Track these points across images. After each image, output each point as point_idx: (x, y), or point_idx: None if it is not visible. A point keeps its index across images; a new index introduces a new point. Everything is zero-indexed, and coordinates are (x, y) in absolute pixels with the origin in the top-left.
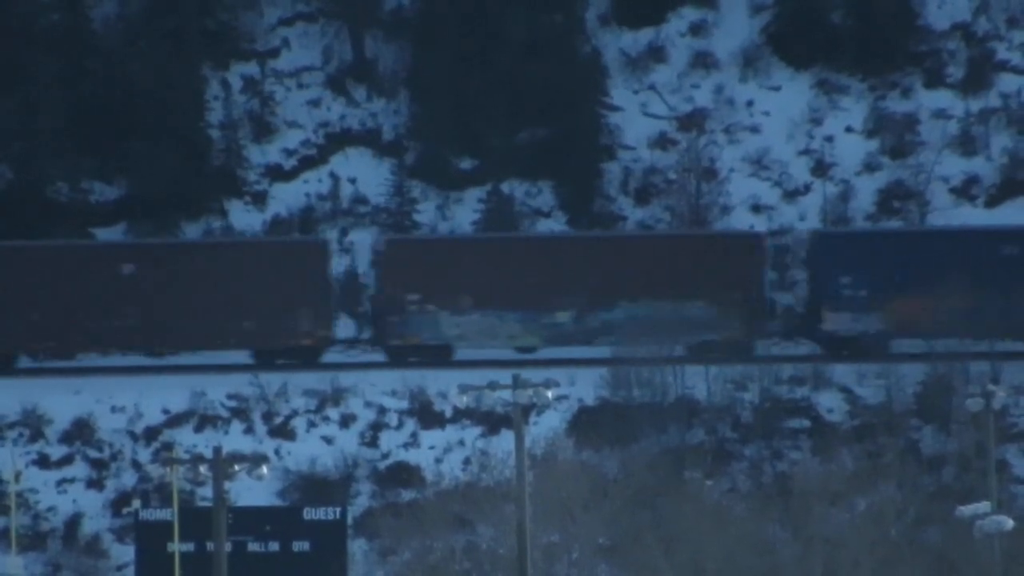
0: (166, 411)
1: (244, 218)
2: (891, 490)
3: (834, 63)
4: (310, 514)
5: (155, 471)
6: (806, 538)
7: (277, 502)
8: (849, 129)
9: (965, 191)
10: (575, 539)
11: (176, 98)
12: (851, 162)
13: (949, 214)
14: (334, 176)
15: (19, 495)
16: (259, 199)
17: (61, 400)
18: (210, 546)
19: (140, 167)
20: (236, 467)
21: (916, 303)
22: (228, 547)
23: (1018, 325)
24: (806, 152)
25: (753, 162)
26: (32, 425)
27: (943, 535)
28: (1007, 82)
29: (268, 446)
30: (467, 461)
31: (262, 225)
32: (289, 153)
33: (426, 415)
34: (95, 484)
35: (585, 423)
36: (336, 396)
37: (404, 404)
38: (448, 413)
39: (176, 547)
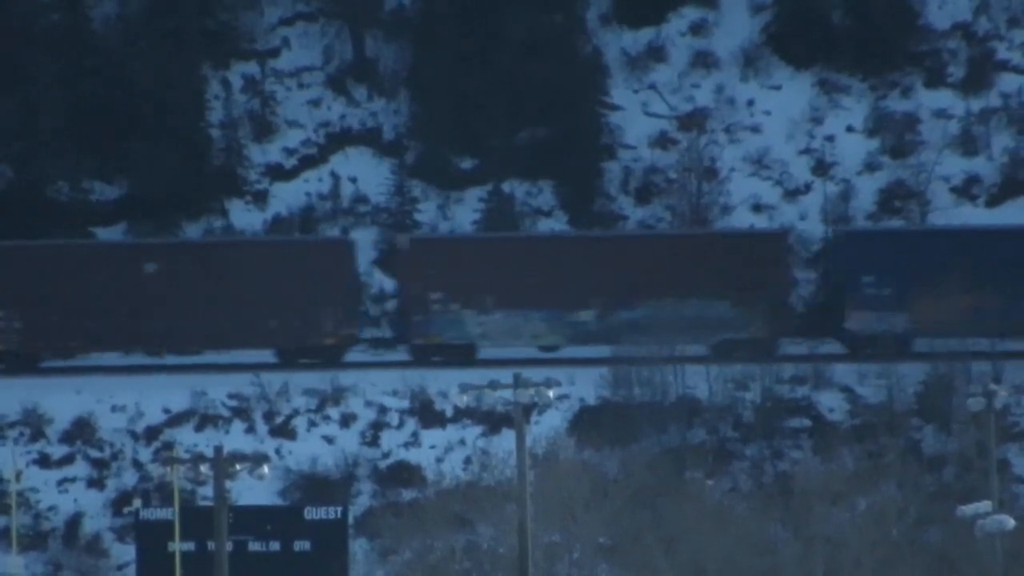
0: (167, 410)
1: (244, 218)
2: (892, 490)
3: (835, 63)
4: (311, 513)
5: (156, 470)
6: (807, 538)
7: (278, 501)
8: (850, 129)
9: (966, 191)
10: (576, 539)
11: (176, 98)
12: (852, 162)
13: (950, 214)
14: (334, 176)
15: (20, 494)
16: (260, 199)
17: (62, 399)
18: (211, 545)
19: (140, 167)
20: (237, 466)
21: (940, 302)
22: (229, 547)
23: None
24: (807, 152)
25: (754, 162)
26: (33, 424)
27: (944, 535)
28: (1008, 82)
29: (269, 445)
30: (468, 461)
31: (262, 225)
32: (289, 153)
33: (427, 414)
34: (96, 483)
35: (586, 422)
36: (337, 395)
37: (405, 403)
38: (449, 412)
39: (177, 546)
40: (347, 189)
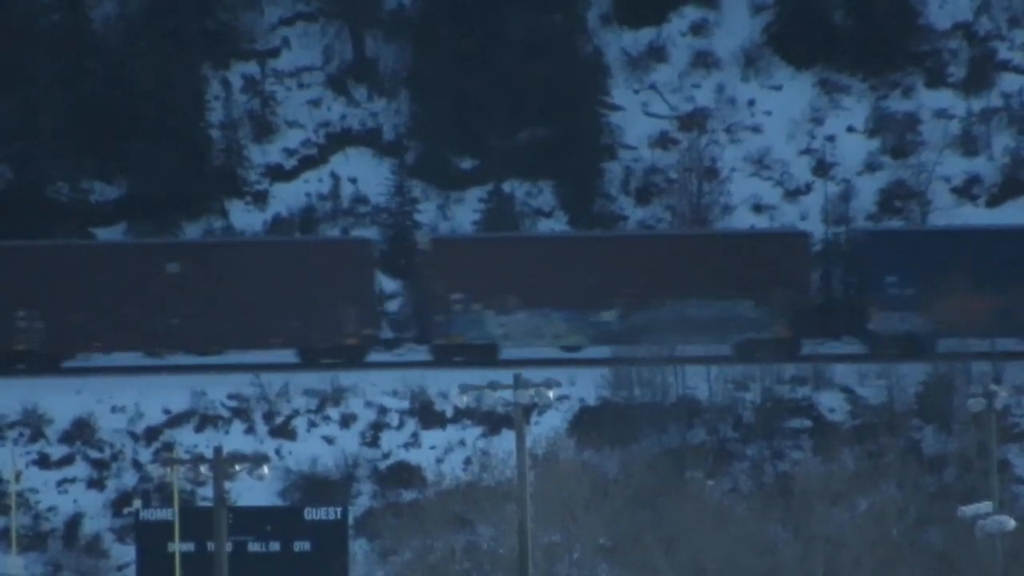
0: (167, 411)
1: (244, 218)
2: (892, 490)
3: (835, 63)
4: (311, 514)
5: (156, 471)
6: (807, 538)
7: (278, 502)
8: (850, 129)
9: (966, 191)
10: (576, 539)
11: (176, 98)
12: (852, 162)
13: (950, 214)
14: (335, 176)
15: (19, 495)
16: (260, 199)
17: (61, 400)
18: (211, 546)
19: (140, 167)
20: (237, 467)
21: (964, 302)
22: (229, 547)
23: None
24: (807, 152)
25: (754, 162)
26: (32, 425)
27: (944, 535)
28: (1008, 82)
29: (269, 446)
30: (468, 461)
31: (262, 225)
32: (289, 153)
33: (427, 415)
34: (96, 484)
35: (586, 423)
36: (336, 396)
37: (405, 404)
38: (449, 413)
39: (177, 547)
40: (347, 189)
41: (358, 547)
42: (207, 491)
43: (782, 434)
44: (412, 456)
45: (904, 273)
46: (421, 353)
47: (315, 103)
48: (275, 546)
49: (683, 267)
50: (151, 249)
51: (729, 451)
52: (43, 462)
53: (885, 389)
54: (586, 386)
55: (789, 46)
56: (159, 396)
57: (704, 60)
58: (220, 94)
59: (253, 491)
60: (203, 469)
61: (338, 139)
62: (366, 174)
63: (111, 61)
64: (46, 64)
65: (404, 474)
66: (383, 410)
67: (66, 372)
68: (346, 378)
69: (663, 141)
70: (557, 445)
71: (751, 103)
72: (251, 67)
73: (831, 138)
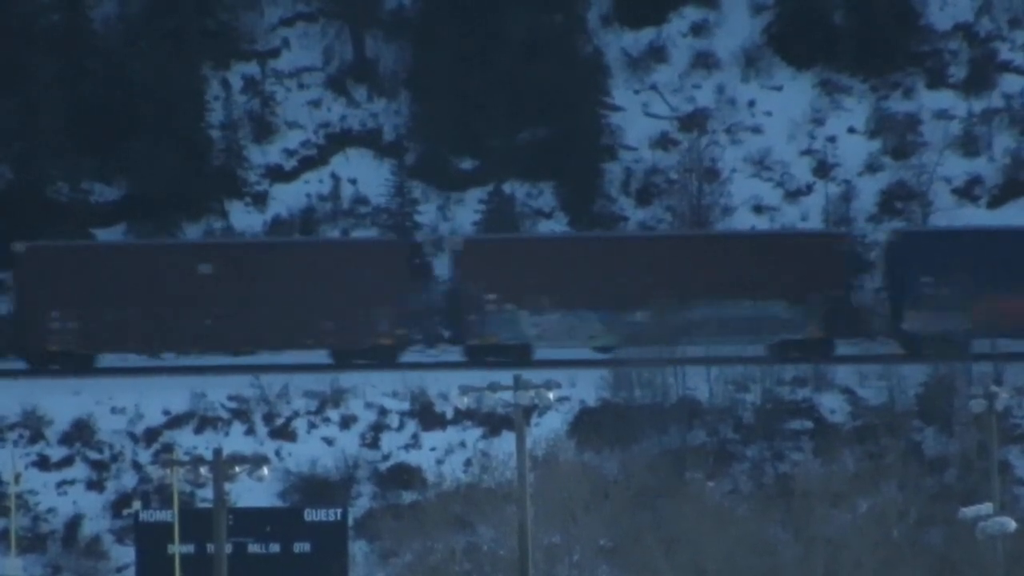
0: (166, 412)
1: (245, 219)
2: (893, 491)
3: (836, 63)
4: (311, 515)
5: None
6: (808, 539)
7: (278, 503)
8: (851, 129)
9: (967, 192)
10: (576, 540)
11: (176, 98)
12: (853, 162)
13: (951, 215)
14: (335, 177)
15: (19, 496)
16: (260, 199)
17: (61, 401)
18: (210, 547)
19: (140, 167)
20: (236, 468)
21: (1000, 303)
22: (229, 548)
23: None
24: (808, 152)
25: (755, 162)
26: (32, 426)
27: (945, 536)
28: (1009, 82)
29: (269, 447)
30: (468, 462)
31: (263, 226)
32: (290, 153)
33: (427, 416)
34: (95, 485)
35: (586, 424)
36: (336, 397)
37: (405, 405)
38: (449, 414)
39: (176, 548)
40: (347, 190)
41: (358, 548)
42: (207, 492)
43: (782, 435)
44: (412, 457)
45: (939, 273)
46: (455, 354)
47: (315, 104)
48: (275, 547)
49: (717, 268)
50: (184, 249)
51: (729, 452)
52: (43, 463)
53: (886, 390)
54: (586, 387)
55: (789, 47)
56: (159, 397)
57: (704, 61)
58: (220, 94)
59: (253, 492)
60: (203, 470)
61: (338, 140)
62: (366, 175)
63: (111, 61)
64: (46, 64)
65: (404, 475)
66: (383, 411)
67: (66, 373)
68: (346, 379)
69: (663, 142)
70: (557, 446)
71: (751, 104)
72: (251, 67)
73: (832, 139)
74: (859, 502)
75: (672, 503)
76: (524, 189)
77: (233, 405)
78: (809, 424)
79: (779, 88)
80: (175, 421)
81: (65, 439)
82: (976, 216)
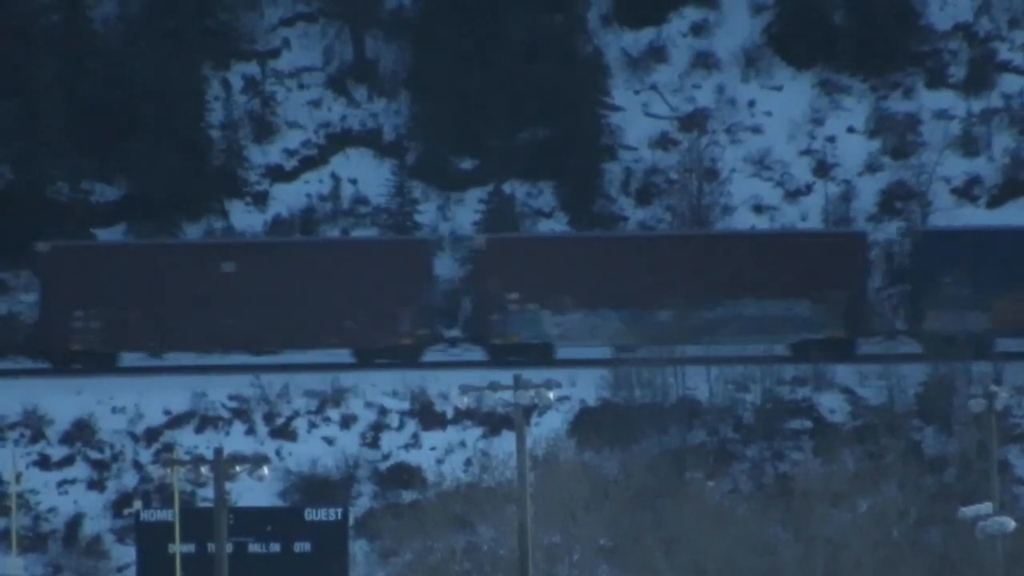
0: (167, 412)
1: (245, 219)
2: (893, 491)
3: (836, 63)
4: (311, 515)
5: (156, 472)
6: (807, 539)
7: (278, 503)
8: (851, 129)
9: (967, 192)
10: (576, 540)
11: (176, 98)
12: (853, 162)
13: (951, 215)
14: (335, 176)
15: (20, 496)
16: (260, 199)
17: (62, 401)
18: (211, 547)
19: (141, 167)
20: (237, 468)
21: (1020, 302)
22: (229, 548)
23: None
24: (808, 152)
25: (755, 162)
26: (33, 426)
27: (945, 536)
28: (1009, 82)
29: (269, 447)
30: (468, 462)
31: (263, 226)
32: (290, 153)
33: (427, 416)
34: (96, 485)
35: (586, 424)
36: (337, 397)
37: (405, 405)
38: (449, 414)
39: (177, 548)
40: (347, 190)
41: (358, 548)
42: (207, 492)
43: (782, 435)
44: (412, 457)
45: (960, 273)
46: (477, 353)
47: (315, 104)
48: (275, 547)
49: (739, 267)
50: (207, 249)
51: (729, 452)
52: (43, 463)
53: (885, 390)
54: (586, 387)
55: (789, 47)
56: (159, 397)
57: (704, 61)
58: (220, 94)
59: (253, 492)
60: (203, 470)
61: (338, 140)
62: (366, 175)
63: (111, 61)
64: (46, 64)
65: (404, 475)
66: (383, 411)
67: (66, 372)
68: (346, 379)
69: (663, 142)
70: (557, 446)
71: (751, 104)
72: (251, 67)
73: (831, 139)
74: (859, 502)
75: (672, 503)
76: (524, 189)
77: (234, 405)
78: (809, 424)
79: (779, 88)
80: (176, 421)
81: (66, 438)
82: (975, 216)
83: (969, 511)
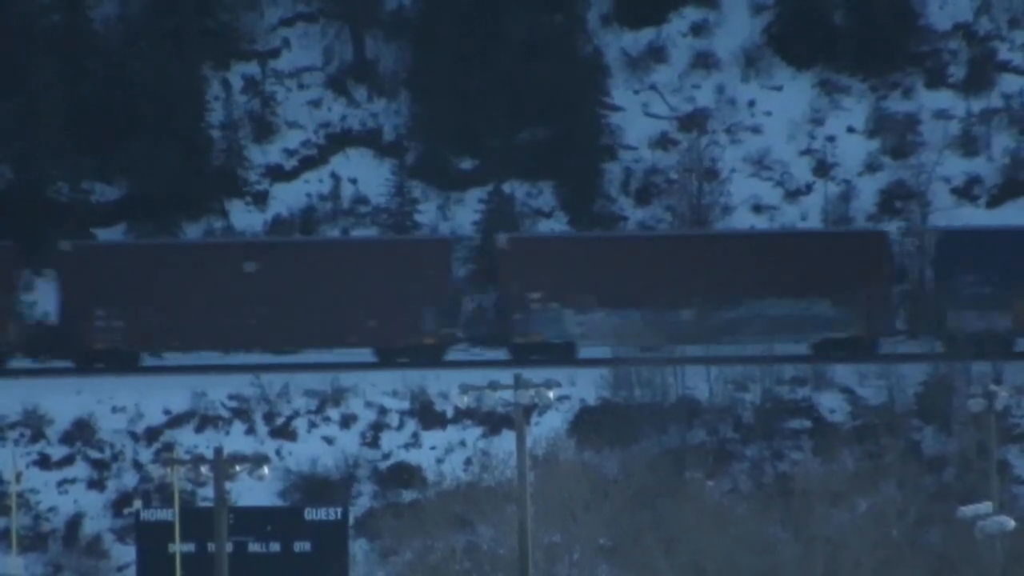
0: (167, 411)
1: (245, 218)
2: (892, 490)
3: (835, 63)
4: (311, 514)
5: (156, 471)
6: (807, 538)
7: (278, 502)
8: (850, 129)
9: (966, 191)
10: (576, 539)
11: (176, 98)
12: (852, 162)
13: (950, 214)
14: (335, 176)
15: (20, 495)
16: (260, 199)
17: (62, 400)
18: (211, 547)
19: (141, 167)
20: (237, 467)
21: None
22: (229, 547)
23: None
24: (807, 152)
25: (754, 162)
26: (33, 425)
27: (944, 536)
28: (1008, 82)
29: (269, 446)
30: (468, 461)
31: (263, 226)
32: (290, 153)
33: (427, 415)
34: (96, 484)
35: (586, 423)
36: (337, 396)
37: (405, 404)
38: (449, 413)
39: (177, 547)
40: (347, 190)
41: (358, 547)
42: (207, 491)
43: (782, 435)
44: (412, 456)
45: (981, 272)
46: (501, 352)
47: (315, 103)
48: (275, 546)
49: (761, 267)
50: (229, 248)
51: (729, 451)
52: (43, 462)
53: (885, 389)
54: (586, 386)
55: (789, 47)
56: (159, 396)
57: (704, 61)
58: (220, 94)
59: (253, 491)
60: (203, 469)
61: (338, 139)
62: (366, 174)
63: (111, 61)
64: (46, 64)
65: (404, 474)
66: (383, 410)
67: (66, 372)
68: (346, 379)
69: (663, 142)
70: (557, 445)
71: (751, 104)
72: (251, 67)
73: (831, 138)
74: (858, 501)
75: (672, 502)
76: (524, 189)
77: (234, 404)
78: (808, 423)
79: (779, 88)
80: (176, 420)
81: (66, 438)
82: (975, 216)
83: (968, 511)
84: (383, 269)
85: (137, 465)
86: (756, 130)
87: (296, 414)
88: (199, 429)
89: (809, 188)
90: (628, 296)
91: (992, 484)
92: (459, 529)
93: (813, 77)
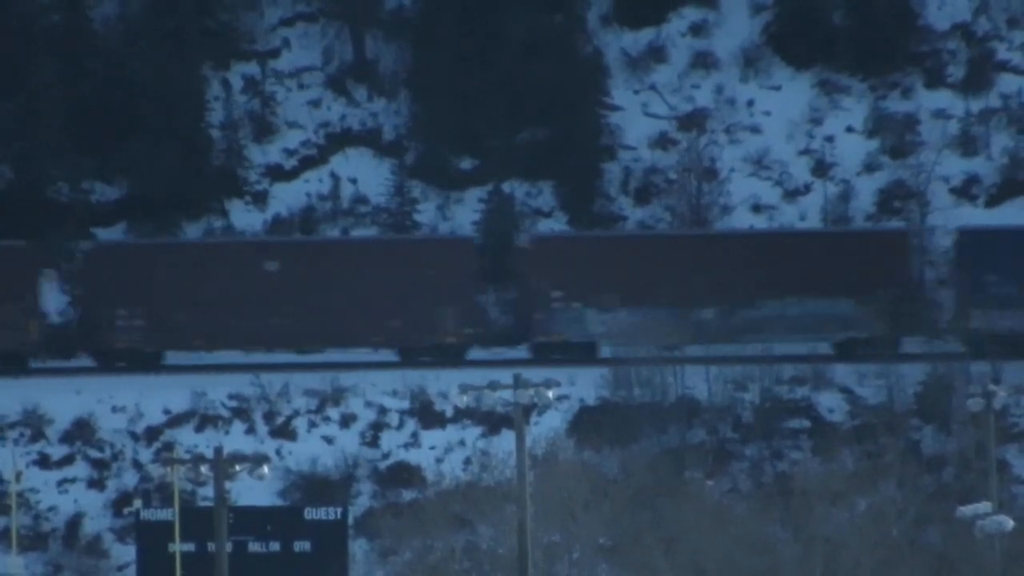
0: (167, 411)
1: (245, 218)
2: (891, 490)
3: (834, 63)
4: (311, 514)
5: (156, 471)
6: (806, 538)
7: (278, 502)
8: (849, 129)
9: (965, 191)
10: (576, 539)
11: (176, 98)
12: (851, 162)
13: (949, 214)
14: (335, 176)
15: (20, 495)
16: (260, 199)
17: (62, 400)
18: (211, 546)
19: (141, 167)
20: (237, 467)
21: None
22: (229, 547)
23: None
24: (806, 152)
25: (754, 162)
26: (33, 425)
27: (944, 535)
28: (1007, 82)
29: (269, 446)
30: (468, 461)
31: (263, 225)
32: (290, 153)
33: (427, 415)
34: (96, 484)
35: (586, 423)
36: (336, 396)
37: (405, 404)
38: (449, 413)
39: (177, 547)
40: (347, 190)
41: (358, 547)
42: (207, 491)
43: (781, 434)
44: (412, 456)
45: (1004, 271)
46: (523, 351)
47: (315, 103)
48: (275, 546)
49: (783, 266)
50: (250, 247)
51: (728, 451)
52: (43, 462)
53: (884, 389)
54: (586, 386)
55: (788, 46)
56: (159, 396)
57: (704, 60)
58: (220, 94)
59: (253, 491)
60: (203, 469)
61: (338, 139)
62: (366, 174)
63: (111, 61)
64: (46, 64)
65: (404, 474)
66: (383, 410)
67: (67, 372)
68: (346, 378)
69: (663, 141)
70: (557, 445)
71: (750, 103)
72: (251, 67)
73: (830, 138)
74: (858, 501)
75: (671, 502)
76: (524, 189)
77: (233, 404)
78: (808, 423)
79: (778, 88)
80: (176, 420)
81: (66, 438)
82: (974, 216)
83: (967, 510)
84: (405, 269)
85: (137, 465)
86: (755, 130)
87: (296, 414)
88: (199, 429)
89: (808, 188)
90: (650, 295)
91: (991, 484)
92: (459, 529)
93: (812, 77)
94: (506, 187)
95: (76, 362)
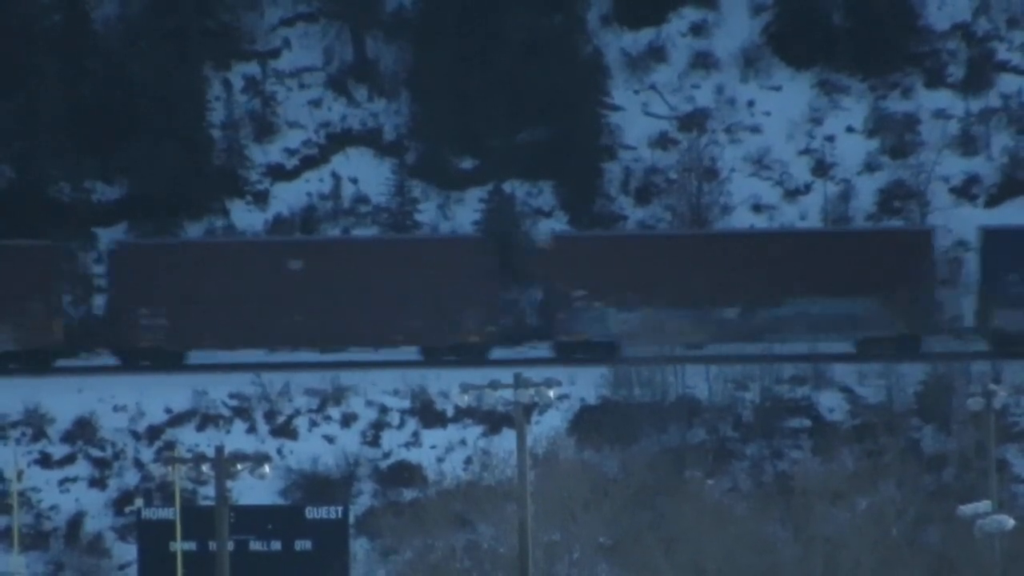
0: (168, 410)
1: (246, 218)
2: (892, 489)
3: (835, 63)
4: (312, 513)
5: (157, 470)
6: (807, 538)
7: (279, 501)
8: (850, 129)
9: (965, 191)
10: (576, 538)
11: (177, 98)
12: (852, 162)
13: (949, 214)
14: (335, 176)
15: (21, 494)
16: (260, 199)
17: (63, 399)
18: (212, 545)
19: (141, 167)
20: (238, 466)
21: None
22: (230, 546)
23: None
24: (807, 152)
25: (754, 162)
26: (34, 424)
27: (944, 535)
28: (1007, 82)
29: (270, 445)
30: (468, 460)
31: (263, 225)
32: (290, 153)
33: (427, 414)
34: (97, 483)
35: (586, 422)
36: (337, 395)
37: (406, 403)
38: (450, 412)
39: (178, 546)
40: (348, 189)
41: (359, 546)
42: (209, 490)
43: (781, 434)
44: (413, 455)
45: None
46: (544, 350)
47: (316, 103)
48: (276, 545)
49: (805, 265)
50: (274, 246)
51: (729, 450)
52: (45, 461)
53: (884, 389)
54: (586, 385)
55: (788, 47)
56: (160, 395)
57: (704, 61)
58: (221, 94)
59: (254, 490)
60: (205, 468)
61: (339, 139)
62: (367, 174)
63: (111, 61)
64: (46, 64)
65: (405, 473)
66: (384, 409)
67: (68, 371)
68: (347, 377)
69: (663, 141)
70: (557, 444)
71: (750, 103)
72: (252, 67)
73: (830, 138)
74: (858, 500)
75: (672, 501)
76: (524, 189)
77: (235, 403)
78: (808, 423)
79: (778, 88)
80: (177, 419)
81: (67, 437)
82: (974, 216)
83: (968, 509)
84: (428, 268)
85: (138, 464)
86: (755, 130)
87: (297, 413)
88: (200, 428)
89: (808, 188)
90: (672, 295)
91: (991, 483)
92: (459, 528)
93: (812, 77)
94: (506, 187)
95: (98, 361)
